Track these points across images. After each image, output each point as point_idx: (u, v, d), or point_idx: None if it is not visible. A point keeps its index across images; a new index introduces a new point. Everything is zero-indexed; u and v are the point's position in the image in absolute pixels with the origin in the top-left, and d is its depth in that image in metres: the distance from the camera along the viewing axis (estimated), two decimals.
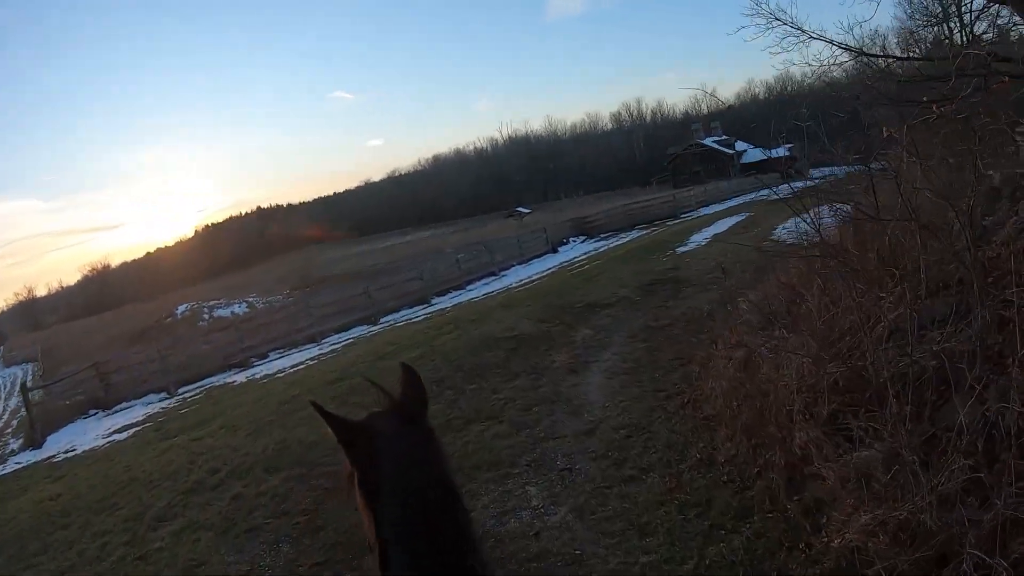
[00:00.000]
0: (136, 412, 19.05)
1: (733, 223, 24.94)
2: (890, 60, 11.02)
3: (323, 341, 24.66)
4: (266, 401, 12.51)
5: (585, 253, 31.61)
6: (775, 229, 20.73)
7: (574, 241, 37.71)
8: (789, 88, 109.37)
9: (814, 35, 9.68)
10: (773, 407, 5.79)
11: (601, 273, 18.15)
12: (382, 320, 26.41)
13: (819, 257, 7.56)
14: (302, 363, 18.97)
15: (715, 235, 22.18)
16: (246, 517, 7.05)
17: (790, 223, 22.13)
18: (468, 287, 30.19)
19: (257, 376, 19.28)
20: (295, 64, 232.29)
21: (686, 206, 40.72)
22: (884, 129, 6.84)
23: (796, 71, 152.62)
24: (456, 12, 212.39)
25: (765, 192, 42.55)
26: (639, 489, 5.70)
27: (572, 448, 6.83)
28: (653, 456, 6.26)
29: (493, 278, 31.14)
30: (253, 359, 23.88)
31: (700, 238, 22.03)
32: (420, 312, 25.83)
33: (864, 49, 10.64)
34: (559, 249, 35.81)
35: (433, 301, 28.44)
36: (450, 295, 29.18)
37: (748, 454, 5.73)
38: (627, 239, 33.04)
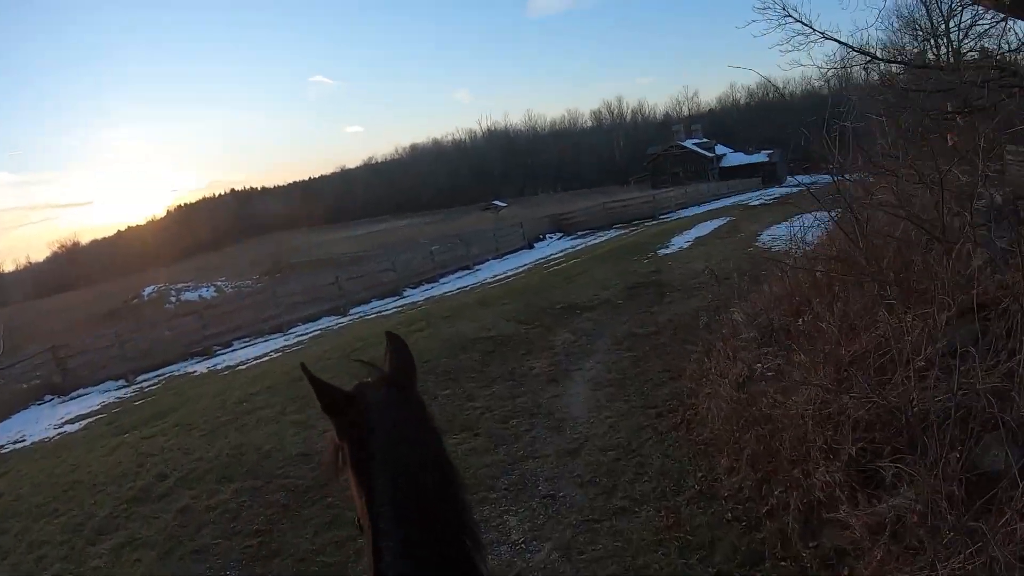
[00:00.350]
0: (92, 400, 18.28)
1: (715, 227, 24.44)
2: (902, 66, 10.47)
3: (290, 331, 23.96)
4: (224, 398, 11.77)
5: (562, 250, 31.05)
6: (759, 235, 20.32)
7: (551, 238, 37.15)
8: (771, 94, 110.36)
9: (827, 35, 9.20)
10: (784, 439, 5.22)
11: (581, 273, 17.56)
12: (352, 311, 25.76)
13: (835, 272, 6.83)
14: (266, 355, 18.26)
15: (697, 238, 21.69)
16: (193, 535, 6.37)
17: (775, 228, 21.79)
18: (441, 280, 29.61)
19: (219, 367, 18.55)
20: (275, 46, 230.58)
21: (665, 207, 40.24)
22: (949, 138, 6.21)
23: (782, 76, 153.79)
24: (439, 2, 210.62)
25: (745, 196, 42.28)
26: (633, 525, 5.09)
27: (555, 470, 6.23)
28: (646, 485, 5.67)
29: (467, 272, 30.54)
30: (217, 348, 23.15)
31: (682, 241, 21.51)
32: (391, 304, 25.19)
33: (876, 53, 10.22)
34: (535, 245, 35.24)
35: (405, 293, 27.83)
36: (423, 288, 28.58)
37: (755, 489, 5.16)
38: (605, 238, 32.52)
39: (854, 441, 4.78)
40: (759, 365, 7.40)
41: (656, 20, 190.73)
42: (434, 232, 59.59)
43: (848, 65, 10.13)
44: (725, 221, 25.99)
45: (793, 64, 12.13)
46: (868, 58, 9.94)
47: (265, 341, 22.67)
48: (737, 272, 14.57)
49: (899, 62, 10.84)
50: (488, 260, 32.56)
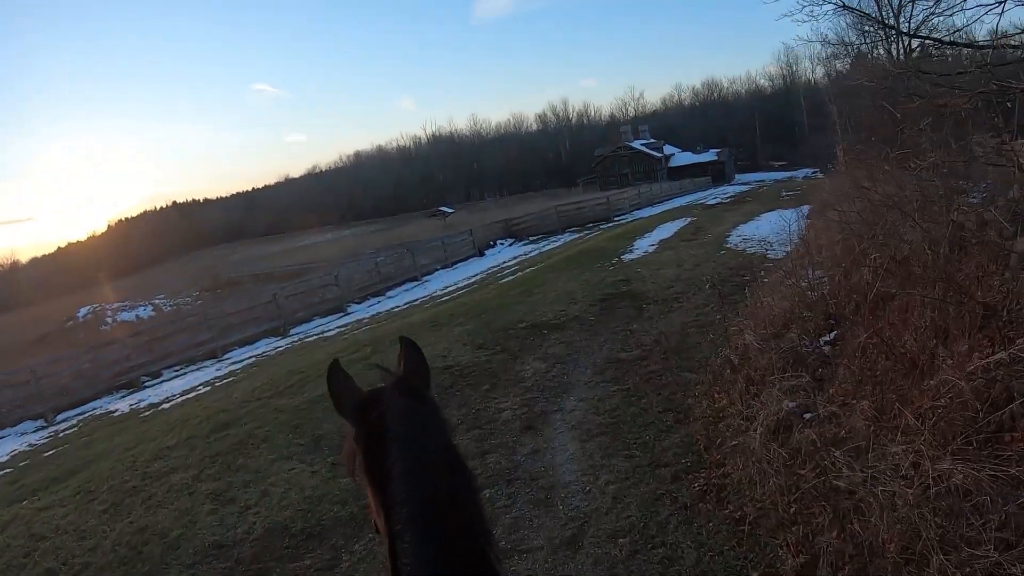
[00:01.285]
0: (5, 447, 16.14)
1: (677, 228, 23.12)
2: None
3: (226, 356, 21.97)
4: (136, 453, 9.86)
5: (515, 257, 29.45)
6: (727, 236, 19.04)
7: (502, 244, 35.53)
8: (716, 94, 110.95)
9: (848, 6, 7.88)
10: (878, 525, 3.69)
11: (542, 284, 15.96)
12: (292, 331, 23.91)
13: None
14: (194, 389, 16.26)
15: (661, 241, 20.30)
16: None
17: (742, 228, 20.51)
18: (389, 294, 27.85)
19: (142, 405, 16.49)
20: (216, 54, 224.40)
21: (620, 209, 38.91)
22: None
23: (727, 76, 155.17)
24: (382, 8, 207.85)
25: (699, 196, 41.31)
26: None
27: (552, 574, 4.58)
28: None
29: (416, 284, 28.83)
30: (145, 379, 21.11)
31: (646, 244, 20.09)
32: (334, 323, 23.35)
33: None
34: (486, 252, 33.61)
35: (350, 310, 26.01)
36: (369, 302, 26.78)
37: None
38: (560, 243, 31.04)
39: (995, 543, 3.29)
40: (791, 403, 5.93)
41: (600, 23, 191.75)
42: (380, 241, 57.64)
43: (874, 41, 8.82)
44: (687, 222, 24.70)
45: (803, 41, 10.77)
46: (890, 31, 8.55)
47: (198, 370, 20.64)
48: (715, 279, 13.25)
49: (938, 40, 9.47)
50: (437, 270, 30.85)
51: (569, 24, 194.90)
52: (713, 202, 33.86)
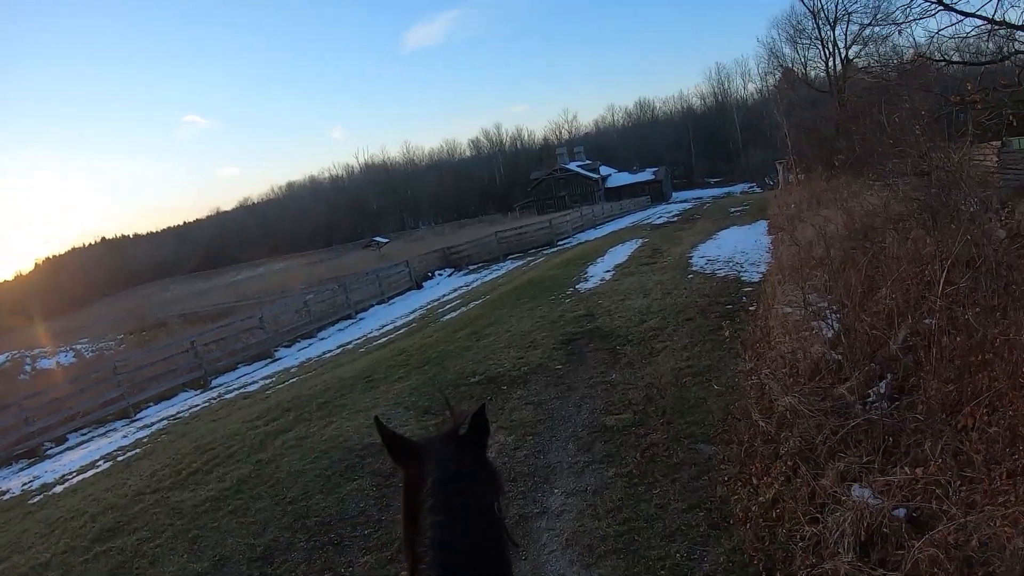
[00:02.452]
0: None
1: (631, 251, 21.44)
2: None
3: (138, 416, 19.46)
4: (8, 566, 7.64)
5: (455, 290, 27.40)
6: (690, 257, 17.42)
7: (440, 275, 33.42)
8: (649, 114, 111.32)
9: None
10: None
11: (491, 324, 14.03)
12: (214, 383, 21.49)
13: None
14: (94, 465, 13.73)
15: (617, 266, 18.56)
16: None
17: (704, 248, 18.92)
18: (321, 335, 25.55)
19: (35, 486, 13.87)
20: (145, 84, 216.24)
21: (563, 233, 37.14)
22: None
23: (660, 96, 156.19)
24: (312, 38, 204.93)
25: (642, 215, 39.97)
26: None
27: None
28: None
29: (350, 322, 26.59)
30: (49, 444, 18.49)
31: (600, 271, 18.33)
32: (260, 372, 20.95)
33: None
34: (424, 285, 31.45)
35: (278, 354, 23.65)
36: (299, 346, 24.44)
37: None
38: (503, 271, 29.10)
39: None
40: (884, 501, 4.22)
41: (529, 50, 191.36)
42: (314, 274, 54.90)
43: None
44: (639, 244, 23.05)
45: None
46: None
47: (105, 434, 18.00)
48: (695, 310, 11.51)
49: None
50: (373, 306, 28.60)
51: (499, 52, 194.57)
52: (660, 221, 32.39)
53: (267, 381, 18.27)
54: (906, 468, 4.51)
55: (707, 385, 7.57)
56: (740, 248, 17.58)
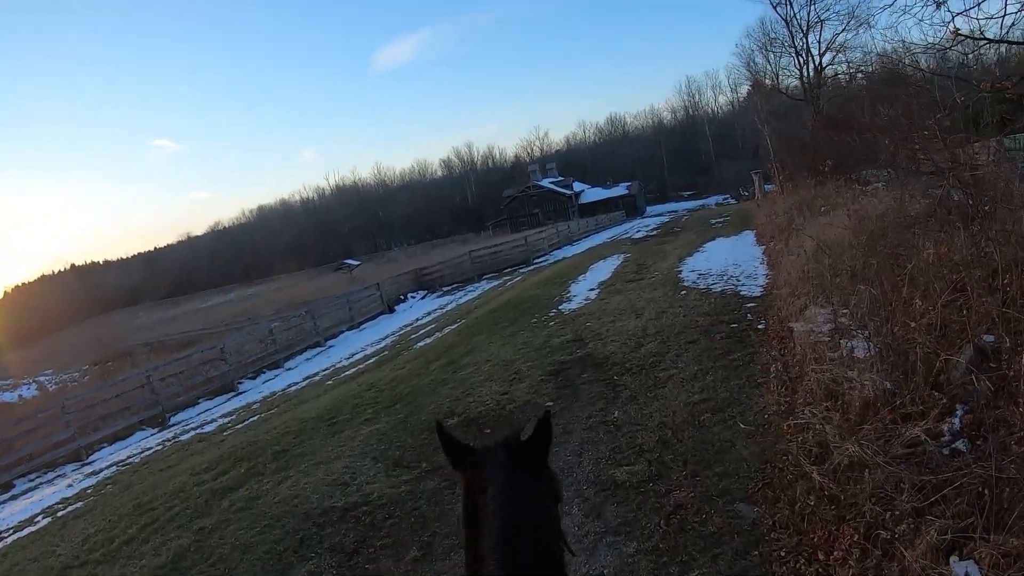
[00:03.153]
0: None
1: (614, 267, 20.27)
2: None
3: (91, 458, 18.07)
4: None
5: (429, 313, 26.02)
6: (679, 272, 16.29)
7: (413, 297, 32.02)
8: (620, 129, 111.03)
9: None
10: None
11: (469, 352, 12.74)
12: (173, 420, 20.01)
13: None
14: (32, 521, 12.22)
15: (601, 284, 17.37)
16: None
17: (692, 262, 17.77)
18: (287, 364, 24.12)
19: None
20: (115, 108, 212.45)
21: (539, 250, 35.84)
22: None
23: (631, 111, 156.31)
24: (281, 62, 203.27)
25: (619, 229, 38.92)
26: None
27: None
28: None
29: (319, 350, 25.19)
30: None
31: (584, 289, 17.12)
32: (221, 408, 19.53)
33: None
34: (396, 308, 30.03)
35: (242, 387, 22.18)
36: (264, 377, 22.98)
37: None
38: (478, 292, 27.77)
39: None
40: None
41: (498, 68, 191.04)
42: (284, 299, 53.13)
43: None
44: (621, 259, 21.89)
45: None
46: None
47: (52, 481, 16.50)
48: (695, 330, 10.31)
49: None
50: (343, 332, 27.16)
51: (469, 71, 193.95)
52: (639, 235, 31.29)
53: (226, 420, 16.81)
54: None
55: (731, 424, 6.35)
56: (732, 260, 16.46)
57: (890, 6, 13.41)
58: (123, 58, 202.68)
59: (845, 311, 8.81)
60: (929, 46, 9.89)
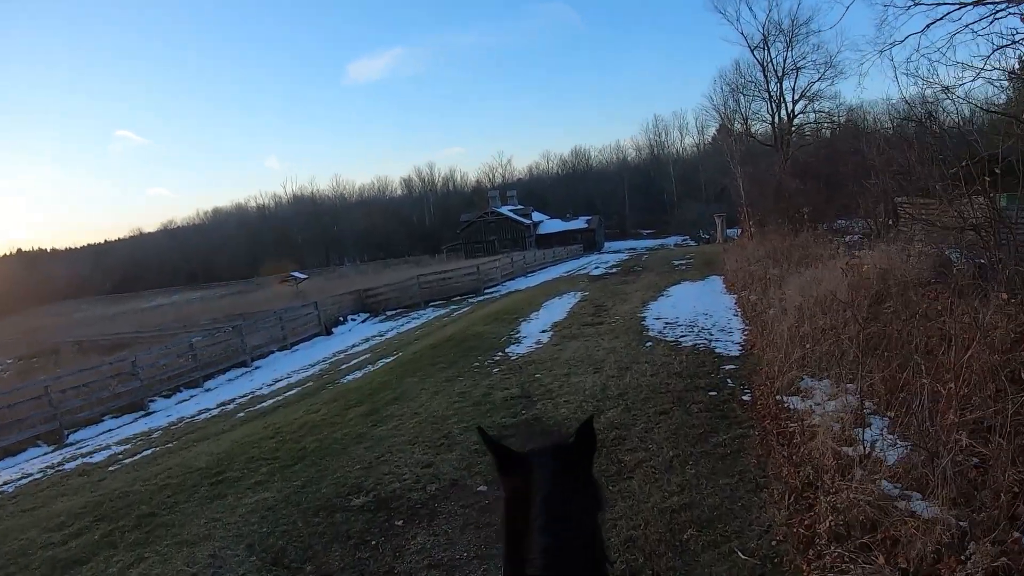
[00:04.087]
0: None
1: (569, 306, 18.54)
2: None
3: None
4: None
5: (367, 339, 24.02)
6: (642, 318, 14.67)
7: (354, 320, 29.91)
8: (584, 163, 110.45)
9: None
10: None
11: (397, 398, 10.88)
12: (73, 438, 17.90)
13: None
14: None
15: (555, 325, 15.65)
16: None
17: (656, 307, 16.09)
18: (208, 384, 21.98)
19: None
20: (77, 93, 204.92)
21: (492, 280, 33.89)
22: None
23: (596, 145, 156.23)
24: (256, 61, 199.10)
25: (576, 264, 37.45)
26: None
27: None
28: None
29: (244, 371, 23.07)
30: None
31: (536, 330, 15.37)
32: (125, 430, 17.78)
33: None
34: (334, 330, 27.89)
35: (153, 406, 20.16)
36: (179, 397, 20.97)
37: None
38: (422, 321, 25.85)
39: None
40: None
41: (469, 92, 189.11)
42: (224, 308, 50.41)
43: None
44: (578, 298, 20.14)
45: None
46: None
47: None
48: (666, 396, 8.60)
49: None
50: (273, 352, 24.97)
51: (439, 93, 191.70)
52: (598, 272, 29.52)
53: (121, 448, 14.65)
54: None
55: (725, 551, 4.63)
56: (701, 309, 14.88)
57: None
58: (92, 41, 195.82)
59: (850, 385, 7.26)
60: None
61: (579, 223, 77.25)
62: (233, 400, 17.79)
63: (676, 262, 29.22)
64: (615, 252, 59.03)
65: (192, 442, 12.77)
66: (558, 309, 18.29)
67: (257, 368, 23.26)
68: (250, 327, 25.64)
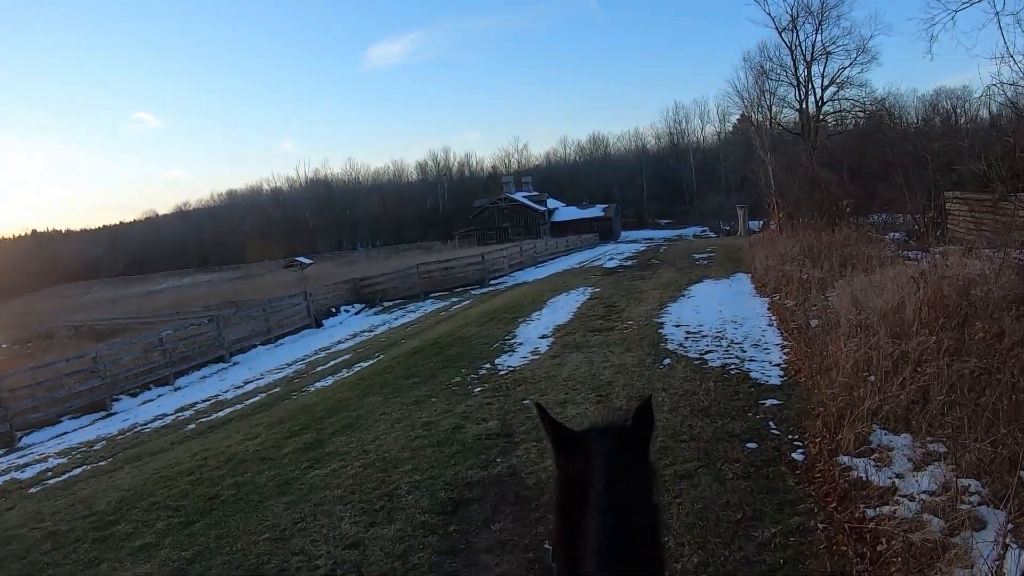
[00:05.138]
0: None
1: (576, 305, 16.39)
2: None
3: None
4: None
5: (355, 335, 21.91)
6: (659, 324, 12.52)
7: (347, 311, 27.75)
8: (602, 150, 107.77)
9: None
10: None
11: (350, 424, 8.81)
12: (26, 441, 16.20)
13: None
14: None
15: (558, 329, 13.56)
16: None
17: (678, 310, 13.88)
18: (179, 381, 20.09)
19: None
20: (95, 75, 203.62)
21: (498, 270, 31.61)
22: None
23: (614, 133, 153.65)
24: (273, 46, 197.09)
25: (591, 255, 35.26)
26: None
27: None
28: None
29: (220, 367, 21.20)
30: None
31: (534, 335, 13.27)
32: (78, 435, 16.09)
33: None
34: (325, 323, 25.78)
35: (117, 407, 18.48)
36: (146, 395, 19.30)
37: None
38: (418, 314, 23.72)
39: None
40: None
41: (487, 76, 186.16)
42: (229, 292, 48.59)
43: None
44: (588, 295, 17.96)
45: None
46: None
47: None
48: (689, 447, 6.44)
49: None
50: (256, 346, 22.97)
51: (459, 77, 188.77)
52: (612, 265, 27.24)
53: (58, 461, 12.79)
54: None
55: None
56: (728, 315, 12.72)
57: None
58: (112, 22, 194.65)
59: (940, 447, 5.23)
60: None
61: (595, 211, 74.73)
62: (194, 405, 15.84)
63: (696, 255, 26.89)
64: (632, 242, 56.79)
65: (123, 462, 10.89)
66: (563, 308, 16.14)
67: (235, 364, 21.26)
68: (228, 319, 23.64)
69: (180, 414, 15.03)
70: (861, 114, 38.59)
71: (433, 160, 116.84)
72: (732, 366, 9.05)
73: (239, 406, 13.84)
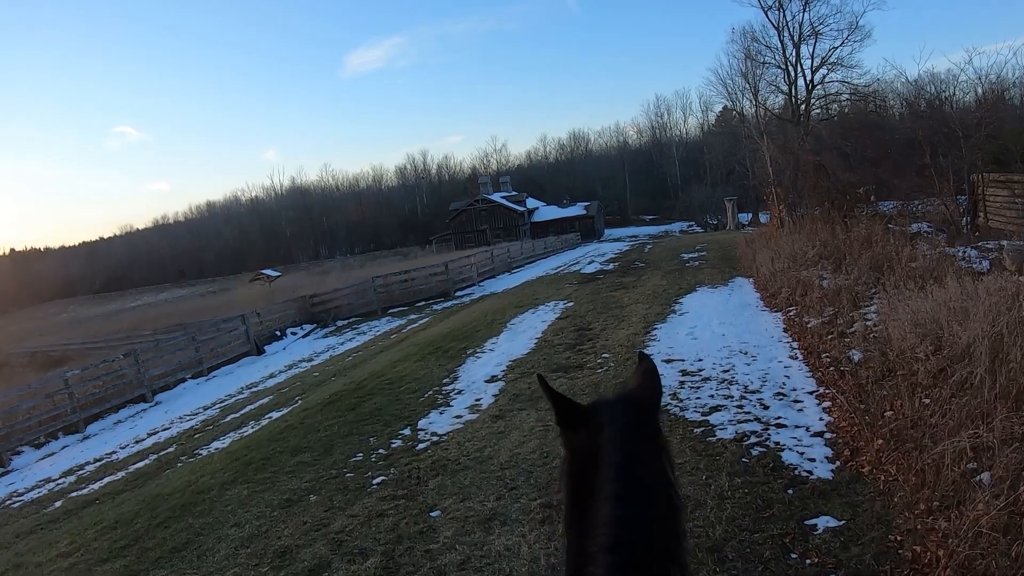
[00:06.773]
0: None
1: (542, 327, 13.45)
2: None
3: None
4: None
5: (291, 366, 18.77)
6: (647, 351, 9.27)
7: (294, 334, 24.58)
8: (583, 147, 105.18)
9: None
10: None
11: (194, 537, 5.83)
12: None
13: None
14: None
15: (511, 365, 10.67)
16: None
17: (666, 335, 10.76)
18: (90, 428, 17.45)
19: None
20: (75, 90, 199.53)
21: (466, 279, 28.37)
22: None
23: (595, 129, 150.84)
24: (252, 55, 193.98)
25: (570, 257, 32.12)
26: None
27: None
28: None
29: (140, 408, 18.27)
30: None
31: (480, 375, 10.37)
32: None
33: None
34: (267, 348, 22.69)
35: (15, 462, 15.98)
36: (50, 447, 16.50)
37: None
38: (368, 337, 20.65)
39: None
40: None
41: (466, 78, 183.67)
42: (193, 309, 45.48)
43: None
44: (556, 314, 14.90)
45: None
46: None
47: None
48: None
49: None
50: (185, 381, 19.99)
51: (438, 81, 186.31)
52: (591, 269, 24.22)
53: None
54: None
55: None
56: (734, 340, 9.83)
57: None
58: (92, 36, 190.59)
59: None
60: None
61: (576, 210, 71.98)
62: (84, 466, 13.00)
63: (686, 255, 23.89)
64: (615, 240, 54.14)
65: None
66: (525, 334, 13.19)
67: (156, 405, 18.33)
68: (160, 348, 20.65)
69: (63, 480, 12.20)
70: (857, 96, 36.15)
71: (411, 164, 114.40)
72: (753, 439, 6.09)
73: (115, 476, 10.97)
